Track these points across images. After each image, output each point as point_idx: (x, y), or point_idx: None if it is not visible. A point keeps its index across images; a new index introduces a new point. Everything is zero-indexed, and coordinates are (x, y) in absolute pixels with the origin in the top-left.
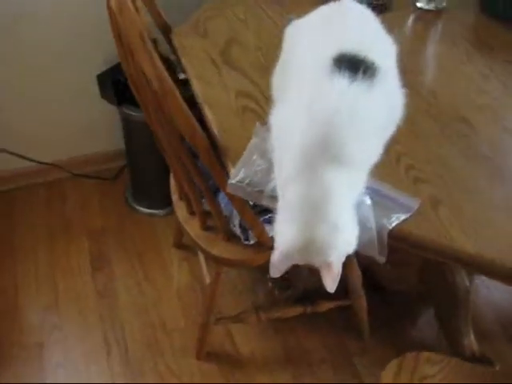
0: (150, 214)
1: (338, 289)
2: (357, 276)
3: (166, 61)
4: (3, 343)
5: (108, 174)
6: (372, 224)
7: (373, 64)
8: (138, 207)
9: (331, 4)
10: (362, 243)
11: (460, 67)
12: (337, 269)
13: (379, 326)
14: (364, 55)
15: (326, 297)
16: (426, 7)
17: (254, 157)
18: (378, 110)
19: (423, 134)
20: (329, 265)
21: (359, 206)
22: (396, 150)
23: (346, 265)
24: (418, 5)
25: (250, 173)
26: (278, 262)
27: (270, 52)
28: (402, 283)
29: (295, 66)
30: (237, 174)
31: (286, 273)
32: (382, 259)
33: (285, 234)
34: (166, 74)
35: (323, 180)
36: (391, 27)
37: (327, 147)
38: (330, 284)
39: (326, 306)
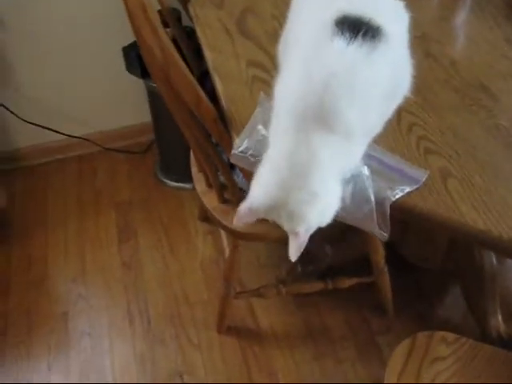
0: (178, 188)
1: (360, 265)
2: (380, 252)
3: (191, 31)
4: (31, 312)
5: (138, 148)
6: (371, 197)
7: (377, 27)
8: (165, 180)
9: None
10: (358, 217)
11: (485, 34)
12: (303, 238)
13: (404, 305)
14: (369, 18)
15: (349, 273)
16: None
17: (259, 127)
18: (381, 76)
19: (440, 105)
20: (296, 233)
21: (356, 177)
22: (408, 119)
23: (369, 241)
24: None
25: (253, 143)
26: (245, 214)
27: (285, 21)
28: (429, 261)
29: (297, 32)
30: (240, 145)
31: (311, 248)
32: (383, 235)
33: (260, 187)
34: (169, 43)
35: (312, 144)
36: None
37: (321, 111)
38: (293, 253)
39: (347, 283)
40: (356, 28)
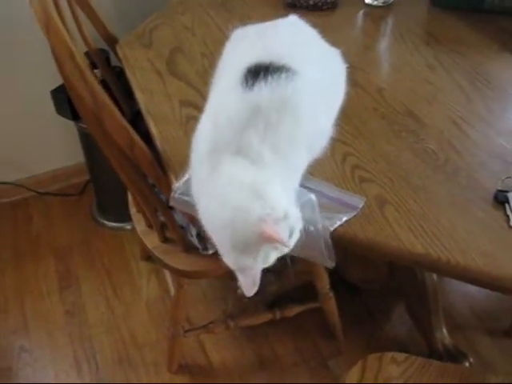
0: (117, 228)
1: (307, 290)
2: (324, 278)
3: (120, 71)
4: None
5: (74, 190)
6: (319, 226)
7: (283, 68)
8: (104, 221)
9: (279, 20)
10: (307, 249)
11: (408, 61)
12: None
13: (352, 326)
14: (283, 62)
15: (296, 301)
16: (375, 3)
17: None
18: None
19: (371, 132)
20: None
21: (303, 207)
22: (342, 149)
23: (312, 268)
24: (367, 1)
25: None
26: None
27: (215, 59)
28: (374, 282)
29: (219, 75)
30: (179, 188)
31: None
32: (330, 264)
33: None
34: (98, 88)
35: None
36: (341, 24)
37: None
38: (248, 288)
39: (295, 311)
40: (261, 72)
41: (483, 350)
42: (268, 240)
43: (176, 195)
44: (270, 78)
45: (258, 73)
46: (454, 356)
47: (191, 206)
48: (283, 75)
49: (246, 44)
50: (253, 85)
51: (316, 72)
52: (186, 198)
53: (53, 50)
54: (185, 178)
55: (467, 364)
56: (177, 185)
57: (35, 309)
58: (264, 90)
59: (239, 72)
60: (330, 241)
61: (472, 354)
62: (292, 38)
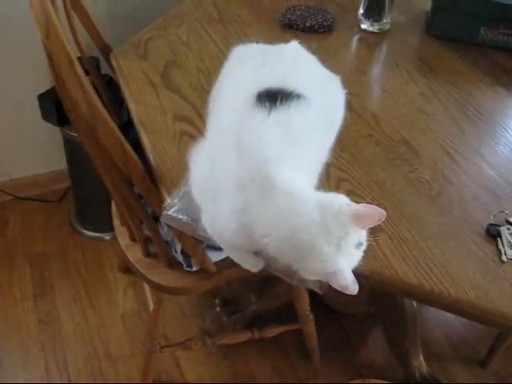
0: (96, 238)
1: (286, 311)
2: (305, 300)
3: (109, 79)
4: None
5: (53, 197)
6: None
7: (293, 93)
8: (82, 230)
9: (281, 44)
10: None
11: (402, 89)
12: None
13: (330, 349)
14: (291, 89)
15: (275, 321)
16: (370, 29)
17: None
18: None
19: (366, 159)
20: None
21: None
22: (337, 175)
23: (294, 290)
24: (363, 27)
25: (185, 204)
26: None
27: (211, 74)
28: (354, 307)
29: (222, 96)
30: (172, 205)
31: (235, 297)
32: (320, 291)
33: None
34: (95, 98)
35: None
36: (336, 48)
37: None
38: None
39: (274, 331)
40: (274, 97)
41: (458, 380)
42: None
43: (169, 212)
44: (284, 102)
45: (271, 97)
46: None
47: (183, 223)
48: (295, 100)
49: (250, 66)
50: (271, 109)
51: (321, 97)
52: (181, 216)
53: (50, 56)
54: (180, 194)
55: None
56: (170, 201)
57: (7, 316)
58: (281, 114)
59: (250, 96)
60: None
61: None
62: (296, 64)
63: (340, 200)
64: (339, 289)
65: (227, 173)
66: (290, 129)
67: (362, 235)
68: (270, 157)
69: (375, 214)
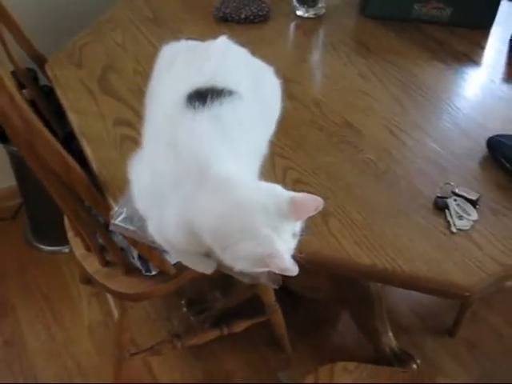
0: (53, 252)
1: (253, 304)
2: (269, 292)
3: (49, 91)
4: None
5: (6, 214)
6: None
7: (224, 90)
8: (39, 246)
9: (209, 42)
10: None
11: (341, 72)
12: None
13: (300, 337)
14: (222, 86)
15: (242, 316)
16: (306, 15)
17: None
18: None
19: (310, 145)
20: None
21: None
22: (282, 164)
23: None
24: (298, 13)
25: (131, 211)
26: None
27: (149, 75)
28: (317, 291)
29: (155, 102)
30: (119, 214)
31: (200, 296)
32: (274, 285)
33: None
34: (29, 112)
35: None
36: (273, 37)
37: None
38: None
39: (242, 326)
40: (203, 97)
41: (428, 351)
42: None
43: (116, 222)
44: (214, 100)
45: (202, 97)
46: (401, 359)
47: (132, 231)
48: (225, 97)
49: (178, 67)
50: (203, 108)
51: (254, 89)
52: (128, 226)
53: None
54: (126, 201)
55: (414, 366)
56: (117, 210)
57: None
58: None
59: (180, 98)
60: None
61: (418, 356)
62: (225, 60)
63: (278, 188)
64: (279, 271)
65: (167, 177)
66: (224, 124)
67: (297, 227)
68: (205, 152)
69: (312, 201)
